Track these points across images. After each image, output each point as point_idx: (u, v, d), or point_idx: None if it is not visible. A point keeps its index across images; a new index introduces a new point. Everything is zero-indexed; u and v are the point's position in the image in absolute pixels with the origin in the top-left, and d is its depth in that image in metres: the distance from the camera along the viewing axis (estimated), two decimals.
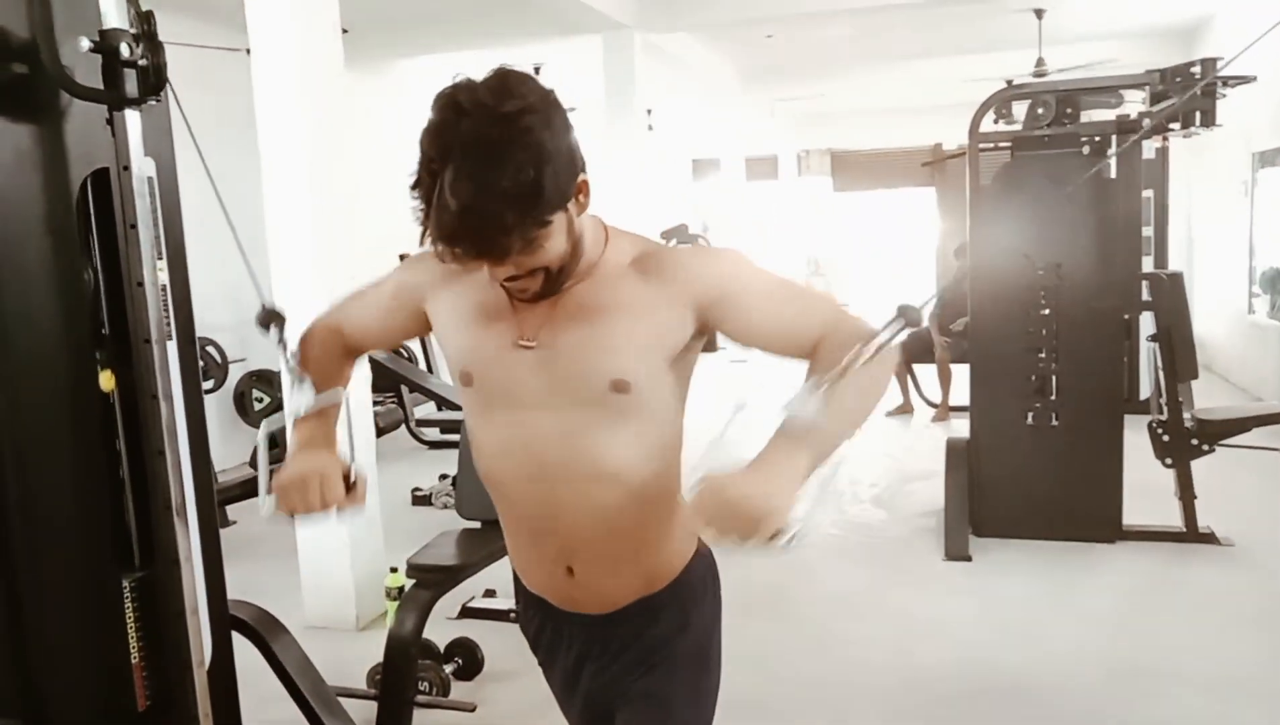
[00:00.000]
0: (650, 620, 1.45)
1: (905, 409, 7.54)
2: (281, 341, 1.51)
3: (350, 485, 1.37)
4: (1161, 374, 4.42)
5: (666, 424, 1.36)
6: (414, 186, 1.18)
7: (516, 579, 1.57)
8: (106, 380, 1.93)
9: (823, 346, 1.27)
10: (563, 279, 1.29)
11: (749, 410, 1.24)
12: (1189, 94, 4.03)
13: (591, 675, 1.49)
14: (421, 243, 1.21)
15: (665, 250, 1.37)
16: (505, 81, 1.18)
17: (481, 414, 1.39)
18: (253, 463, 6.04)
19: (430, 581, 3.02)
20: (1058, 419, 4.44)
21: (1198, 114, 4.16)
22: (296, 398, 1.45)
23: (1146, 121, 4.21)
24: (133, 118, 1.81)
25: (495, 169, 1.13)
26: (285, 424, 1.49)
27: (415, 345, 7.98)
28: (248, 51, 3.64)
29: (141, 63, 1.75)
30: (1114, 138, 4.44)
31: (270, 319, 1.53)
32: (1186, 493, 4.38)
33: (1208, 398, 6.16)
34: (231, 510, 5.12)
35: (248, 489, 4.89)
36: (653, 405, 1.32)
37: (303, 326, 1.58)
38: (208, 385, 6.00)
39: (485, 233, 1.16)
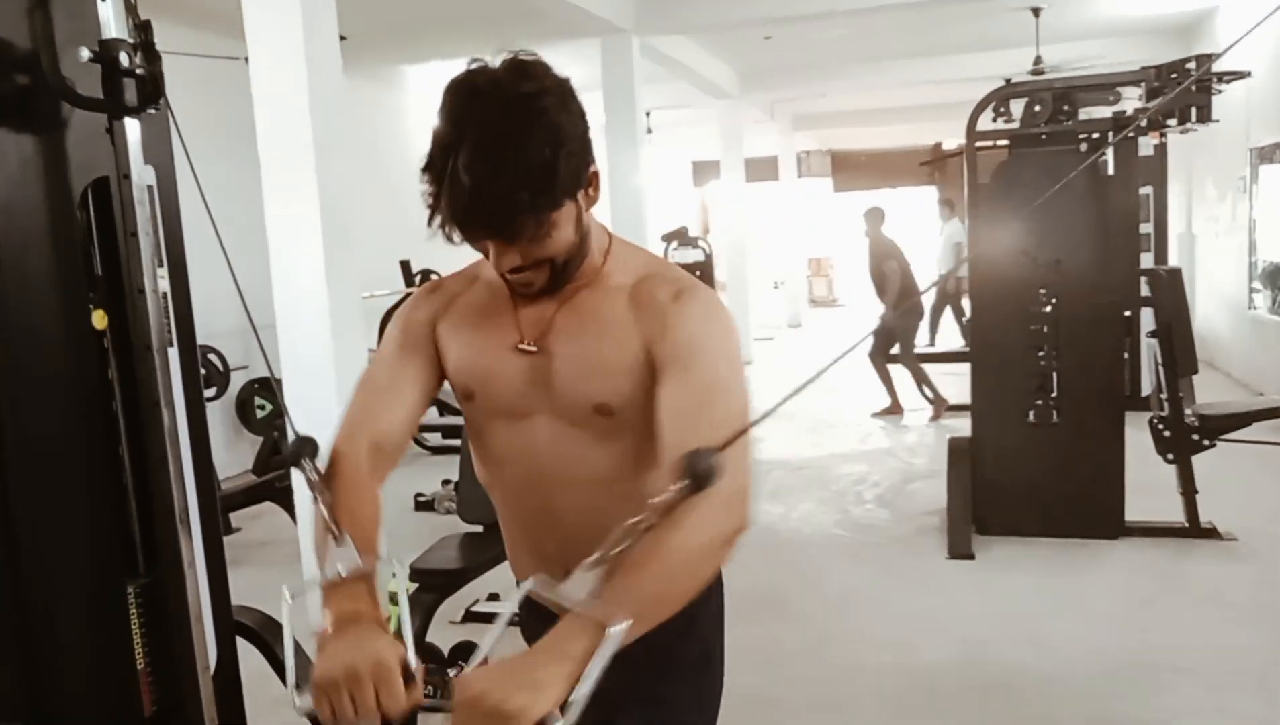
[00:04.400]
0: None
1: (894, 410, 7.66)
2: (316, 483, 1.23)
3: (409, 678, 1.06)
4: (1162, 370, 4.43)
5: (655, 439, 1.28)
6: (425, 169, 1.17)
7: (518, 584, 1.57)
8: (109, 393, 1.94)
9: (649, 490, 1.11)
10: (567, 275, 1.29)
11: (534, 594, 1.12)
12: (1181, 89, 4.04)
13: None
14: (430, 224, 1.18)
15: (659, 282, 1.32)
16: (521, 65, 1.18)
17: (482, 425, 1.40)
18: (259, 471, 6.05)
19: (433, 585, 3.03)
20: (1059, 416, 4.44)
21: (1194, 110, 4.16)
22: (332, 556, 1.16)
23: (1141, 118, 4.21)
24: (132, 126, 1.82)
25: (511, 148, 1.12)
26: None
27: None
28: (246, 60, 3.65)
29: (140, 72, 1.76)
30: (1110, 135, 4.44)
31: (302, 451, 1.25)
32: (1188, 488, 4.38)
33: (1209, 393, 6.16)
34: (235, 517, 5.14)
35: (251, 496, 4.91)
36: (638, 426, 1.29)
37: (326, 457, 1.31)
38: (210, 393, 6.01)
39: (499, 211, 1.15)
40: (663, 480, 1.09)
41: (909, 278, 7.41)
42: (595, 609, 1.03)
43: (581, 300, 1.32)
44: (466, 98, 1.16)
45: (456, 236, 1.18)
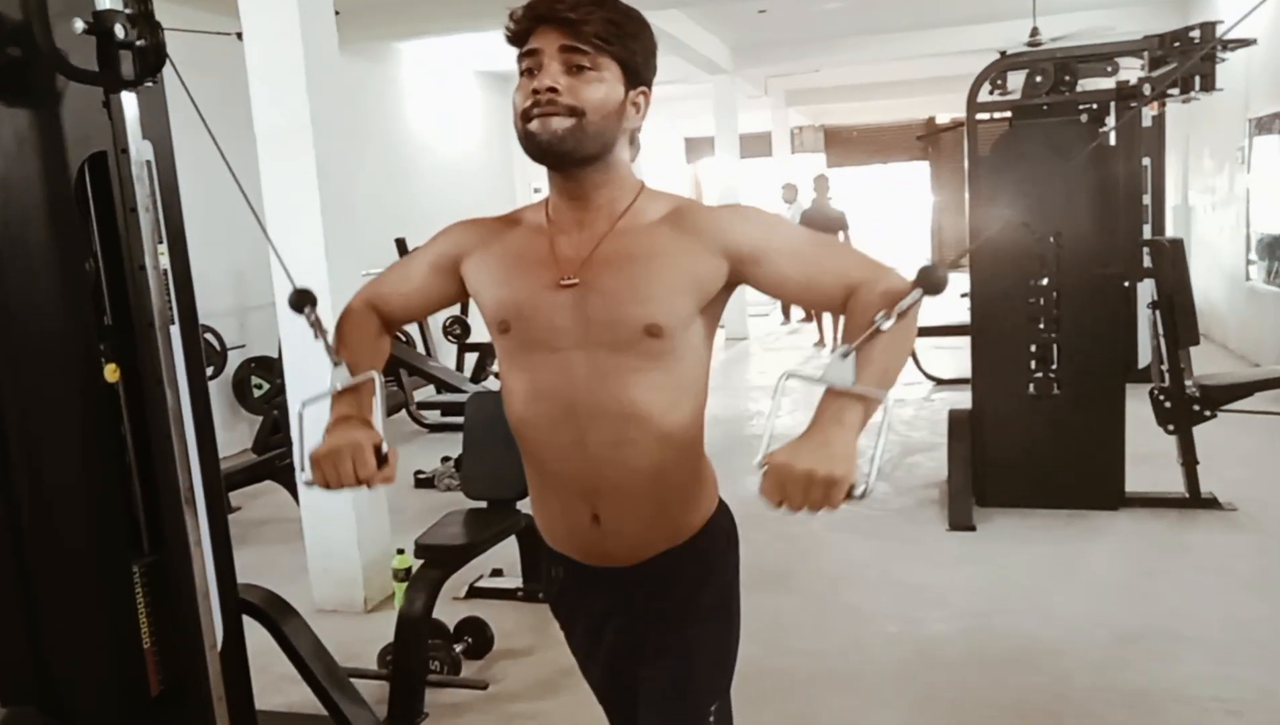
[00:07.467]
0: (675, 573, 1.46)
1: (819, 342, 9.67)
2: (314, 322, 1.52)
3: (382, 459, 1.37)
4: (1163, 340, 4.42)
5: (694, 367, 1.41)
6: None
7: (538, 542, 1.58)
8: (111, 372, 1.92)
9: (855, 301, 1.31)
10: (590, 148, 1.33)
11: (796, 376, 1.29)
12: (1194, 58, 4.01)
13: (616, 631, 1.50)
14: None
15: (698, 206, 1.42)
16: None
17: (516, 358, 1.42)
18: (259, 449, 6.05)
19: (439, 561, 3.03)
20: (1059, 388, 4.44)
21: (1197, 79, 4.13)
22: (333, 376, 1.46)
23: (1147, 87, 4.18)
24: (129, 100, 1.79)
25: None
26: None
27: (414, 329, 7.97)
28: (239, 36, 3.60)
29: (139, 44, 1.73)
30: (1113, 104, 4.41)
31: (302, 300, 1.54)
32: (1189, 459, 4.39)
33: (1206, 364, 6.17)
34: (235, 496, 5.13)
35: (251, 475, 4.90)
36: (683, 349, 1.37)
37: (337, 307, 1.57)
38: (207, 372, 5.98)
39: None
40: (862, 302, 1.29)
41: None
42: (859, 387, 1.21)
43: (618, 236, 1.37)
44: None
45: (513, 22, 1.32)
